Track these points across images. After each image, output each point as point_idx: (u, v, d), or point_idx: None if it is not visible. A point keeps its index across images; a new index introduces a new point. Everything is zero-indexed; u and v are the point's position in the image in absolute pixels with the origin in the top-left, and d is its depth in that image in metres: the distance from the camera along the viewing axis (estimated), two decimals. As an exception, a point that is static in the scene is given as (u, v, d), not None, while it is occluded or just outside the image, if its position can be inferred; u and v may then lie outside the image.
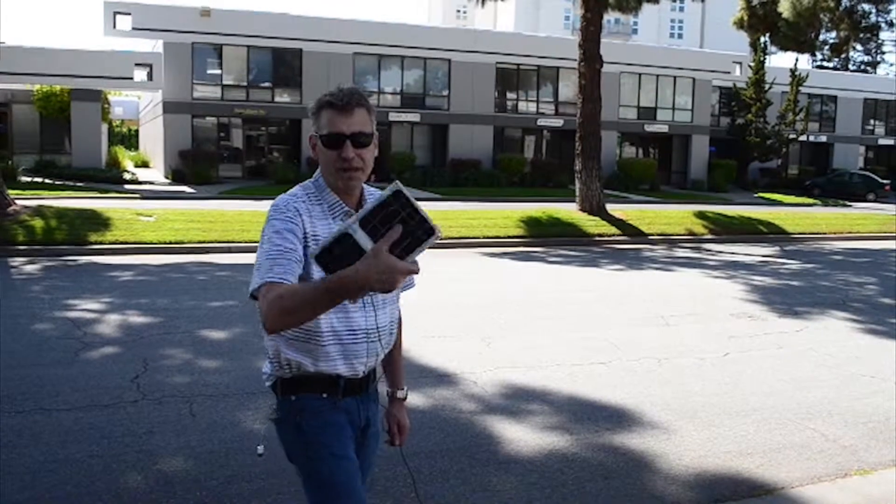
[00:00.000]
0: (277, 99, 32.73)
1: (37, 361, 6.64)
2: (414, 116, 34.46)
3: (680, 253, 16.65)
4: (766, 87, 39.46)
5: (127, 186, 27.28)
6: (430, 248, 1.89)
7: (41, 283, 10.88)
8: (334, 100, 2.30)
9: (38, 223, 14.69)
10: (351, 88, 2.34)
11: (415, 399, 5.77)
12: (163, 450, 4.76)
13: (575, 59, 21.55)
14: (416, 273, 1.89)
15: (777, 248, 18.12)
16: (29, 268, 12.00)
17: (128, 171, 31.82)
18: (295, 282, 2.12)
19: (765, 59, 40.32)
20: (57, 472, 4.42)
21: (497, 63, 35.45)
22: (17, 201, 16.42)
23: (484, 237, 16.74)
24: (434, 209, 20.18)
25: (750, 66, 40.07)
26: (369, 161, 2.36)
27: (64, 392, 5.76)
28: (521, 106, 37.05)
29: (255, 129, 33.33)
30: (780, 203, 32.83)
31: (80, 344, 7.23)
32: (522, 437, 5.12)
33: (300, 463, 2.45)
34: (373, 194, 2.44)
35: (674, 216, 21.04)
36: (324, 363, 2.37)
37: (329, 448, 2.41)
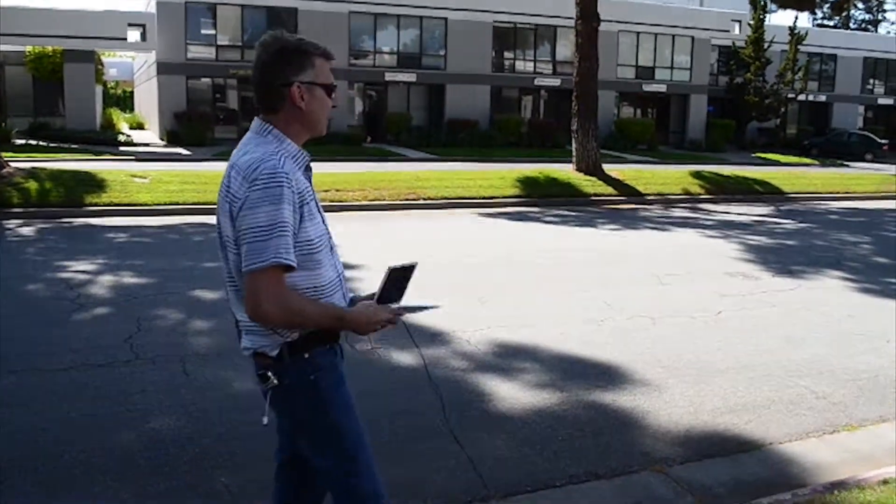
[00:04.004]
0: (273, 59, 32.35)
1: (30, 322, 6.66)
2: (410, 76, 34.15)
3: (676, 213, 16.63)
4: (765, 45, 39.15)
5: (122, 148, 27.12)
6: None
7: (35, 245, 10.87)
8: (327, 53, 2.41)
9: (32, 185, 14.62)
10: None
11: (407, 357, 5.80)
12: (156, 409, 4.79)
13: (572, 18, 21.30)
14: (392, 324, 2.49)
15: (773, 207, 18.10)
16: (23, 230, 11.97)
17: (122, 133, 31.59)
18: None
19: (764, 17, 39.89)
20: (50, 431, 4.45)
21: (494, 22, 35.06)
22: (10, 164, 16.31)
23: (480, 197, 16.69)
24: (431, 169, 20.11)
25: (749, 25, 39.69)
26: None
27: (57, 352, 5.77)
28: (519, 65, 36.72)
29: (250, 90, 32.58)
30: (778, 163, 32.72)
31: (74, 305, 7.24)
32: (514, 394, 5.15)
33: (317, 422, 2.42)
34: None
35: (670, 176, 20.97)
36: None
37: (348, 401, 2.47)
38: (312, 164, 2.48)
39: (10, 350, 5.83)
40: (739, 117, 39.91)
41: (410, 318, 6.88)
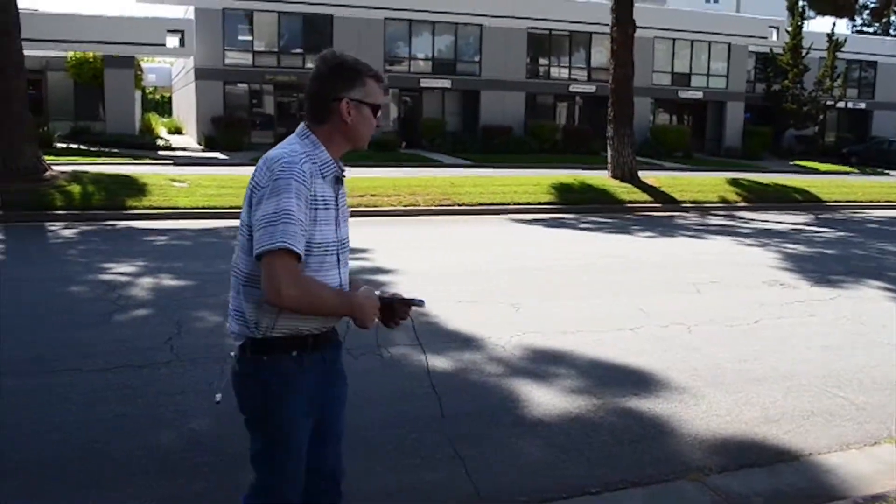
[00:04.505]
0: (308, 65, 32.56)
1: (70, 323, 6.78)
2: (445, 82, 34.23)
3: (712, 220, 16.47)
4: (804, 52, 38.55)
5: (160, 153, 27.54)
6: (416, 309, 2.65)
7: (77, 247, 11.07)
8: (378, 75, 2.54)
9: (74, 188, 14.90)
10: None
11: (442, 362, 5.82)
12: (195, 409, 4.84)
13: (608, 24, 21.23)
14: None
15: (811, 216, 17.85)
16: (65, 232, 12.20)
17: (161, 138, 32.10)
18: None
19: (802, 23, 39.32)
20: (89, 430, 4.52)
21: (529, 28, 35.03)
22: (53, 167, 16.64)
23: (515, 203, 16.67)
24: (465, 175, 20.12)
25: (787, 31, 39.15)
26: None
27: (97, 353, 5.87)
28: (554, 72, 36.63)
29: (286, 95, 33.32)
30: (816, 171, 32.25)
31: (114, 306, 7.36)
32: (549, 400, 5.14)
33: (258, 417, 2.56)
34: None
35: (707, 183, 20.77)
36: (303, 324, 2.47)
37: (291, 412, 2.52)
38: (348, 170, 2.60)
39: (50, 350, 5.95)
40: (777, 125, 39.36)
41: (444, 324, 6.95)
